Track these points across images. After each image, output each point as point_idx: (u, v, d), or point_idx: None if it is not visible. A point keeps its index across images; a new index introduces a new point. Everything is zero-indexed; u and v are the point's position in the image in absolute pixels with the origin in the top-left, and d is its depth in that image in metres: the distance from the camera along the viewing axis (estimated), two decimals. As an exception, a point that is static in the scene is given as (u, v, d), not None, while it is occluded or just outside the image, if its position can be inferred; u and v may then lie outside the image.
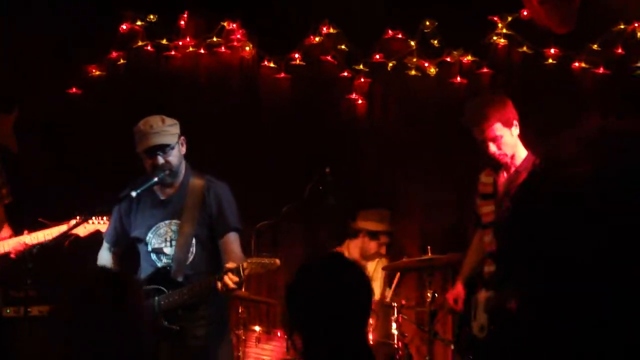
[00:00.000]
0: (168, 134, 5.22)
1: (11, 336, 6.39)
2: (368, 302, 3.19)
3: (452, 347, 6.47)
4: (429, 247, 6.63)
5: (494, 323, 5.20)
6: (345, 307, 3.07)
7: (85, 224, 5.88)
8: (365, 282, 3.18)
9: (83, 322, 2.73)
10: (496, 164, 5.32)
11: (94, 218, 5.91)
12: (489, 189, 5.41)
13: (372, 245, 7.44)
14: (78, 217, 5.86)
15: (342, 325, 3.05)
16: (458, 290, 5.62)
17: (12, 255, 6.02)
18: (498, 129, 5.11)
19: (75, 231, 5.83)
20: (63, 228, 5.91)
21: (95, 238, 5.88)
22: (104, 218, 5.94)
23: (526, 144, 5.30)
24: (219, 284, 4.89)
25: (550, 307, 1.45)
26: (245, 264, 4.88)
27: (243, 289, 7.15)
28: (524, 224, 1.60)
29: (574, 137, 1.34)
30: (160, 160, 5.19)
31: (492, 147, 5.15)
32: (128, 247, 5.55)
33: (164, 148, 5.20)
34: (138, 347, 2.68)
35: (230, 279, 4.84)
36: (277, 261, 4.91)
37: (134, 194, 5.14)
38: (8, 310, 6.70)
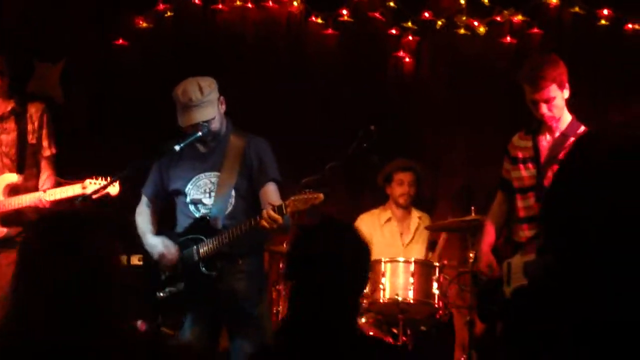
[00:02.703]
0: (208, 105, 5.18)
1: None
2: (361, 269, 3.20)
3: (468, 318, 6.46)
4: (472, 208, 6.58)
5: (535, 286, 5.09)
6: (338, 273, 3.09)
7: (95, 186, 5.66)
8: (360, 248, 3.20)
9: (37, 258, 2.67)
10: (538, 127, 5.25)
11: (103, 180, 5.70)
12: (525, 153, 5.28)
13: (397, 190, 7.43)
14: (94, 178, 5.73)
15: (334, 291, 3.07)
16: (489, 257, 5.41)
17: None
18: (553, 90, 5.02)
19: (87, 192, 5.61)
20: (76, 188, 5.77)
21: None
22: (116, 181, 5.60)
23: (570, 109, 5.22)
24: (263, 218, 4.90)
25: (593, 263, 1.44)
26: (287, 202, 4.89)
27: (285, 245, 7.17)
28: (569, 188, 1.58)
29: (622, 108, 1.33)
30: (204, 130, 5.19)
31: (544, 108, 5.05)
32: (165, 204, 5.55)
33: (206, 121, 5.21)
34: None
35: (271, 214, 4.86)
36: (321, 195, 4.89)
37: (177, 147, 5.14)
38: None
